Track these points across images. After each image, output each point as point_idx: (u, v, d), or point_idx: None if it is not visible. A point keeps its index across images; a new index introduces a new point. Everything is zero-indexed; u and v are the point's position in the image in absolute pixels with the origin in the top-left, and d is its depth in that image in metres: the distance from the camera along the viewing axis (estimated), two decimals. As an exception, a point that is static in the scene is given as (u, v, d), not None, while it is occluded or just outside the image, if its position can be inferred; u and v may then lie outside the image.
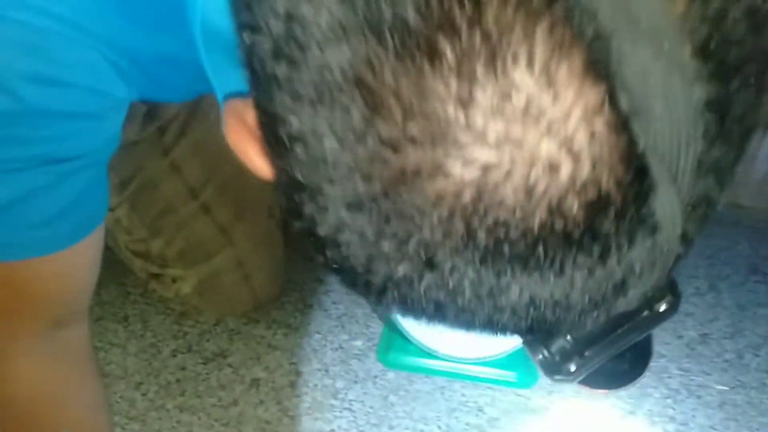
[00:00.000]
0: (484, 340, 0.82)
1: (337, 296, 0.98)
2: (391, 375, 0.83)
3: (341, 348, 0.88)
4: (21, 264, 0.44)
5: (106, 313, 0.94)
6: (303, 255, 1.07)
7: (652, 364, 0.85)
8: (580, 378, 0.51)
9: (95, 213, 0.48)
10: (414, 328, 0.82)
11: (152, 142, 0.75)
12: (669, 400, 0.80)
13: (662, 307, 0.46)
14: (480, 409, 0.78)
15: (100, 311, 0.95)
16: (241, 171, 0.79)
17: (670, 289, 0.46)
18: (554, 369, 0.47)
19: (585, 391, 0.78)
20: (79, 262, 0.49)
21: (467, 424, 0.76)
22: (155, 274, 0.88)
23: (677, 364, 0.85)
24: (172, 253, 0.83)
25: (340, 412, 0.78)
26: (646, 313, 0.46)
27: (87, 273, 0.51)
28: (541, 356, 0.47)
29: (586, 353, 0.46)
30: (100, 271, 0.53)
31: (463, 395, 0.80)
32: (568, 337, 0.45)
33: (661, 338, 0.89)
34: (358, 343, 0.89)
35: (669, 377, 0.83)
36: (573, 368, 0.48)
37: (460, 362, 0.82)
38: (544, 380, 0.82)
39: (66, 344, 0.51)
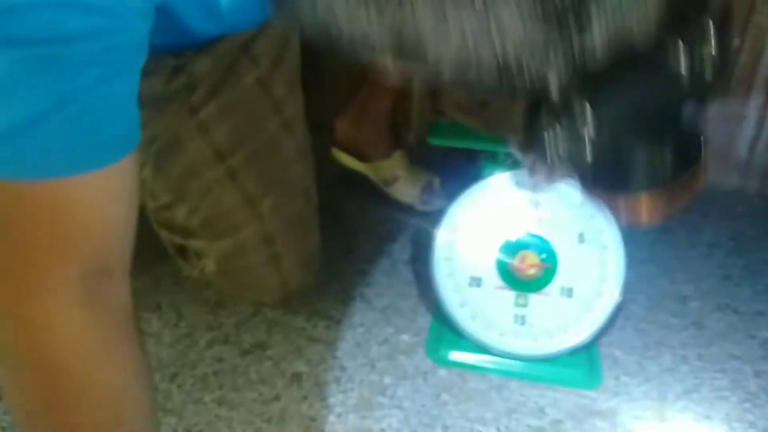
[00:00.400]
0: (543, 336, 0.76)
1: (380, 288, 0.93)
2: (442, 372, 0.78)
3: (387, 342, 0.83)
4: (59, 185, 0.40)
5: (139, 301, 0.89)
6: (343, 246, 1.02)
7: (725, 366, 0.78)
8: (596, 173, 0.41)
9: (129, 131, 0.44)
10: (467, 321, 0.76)
11: (180, 100, 0.72)
12: (747, 404, 0.73)
13: (706, 73, 0.34)
14: (541, 411, 0.72)
15: (132, 300, 0.90)
16: (273, 142, 0.74)
17: (718, 39, 0.33)
18: (563, 157, 0.38)
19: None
20: (117, 192, 0.44)
21: (528, 426, 0.70)
22: (180, 248, 0.84)
23: (752, 366, 0.78)
24: (196, 223, 0.78)
25: (390, 410, 0.72)
26: (682, 78, 0.33)
27: (125, 212, 0.46)
28: (548, 145, 0.38)
29: (598, 137, 0.36)
30: (132, 259, 0.48)
31: (521, 395, 0.74)
32: (586, 117, 0.35)
33: (734, 339, 0.83)
34: (405, 337, 0.84)
35: (745, 380, 0.76)
36: (588, 156, 0.38)
37: (518, 360, 0.76)
38: (608, 381, 0.76)
39: (107, 300, 0.46)
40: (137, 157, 0.45)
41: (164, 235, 0.83)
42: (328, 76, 1.25)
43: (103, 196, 0.43)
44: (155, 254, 0.95)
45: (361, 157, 1.15)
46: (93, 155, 0.41)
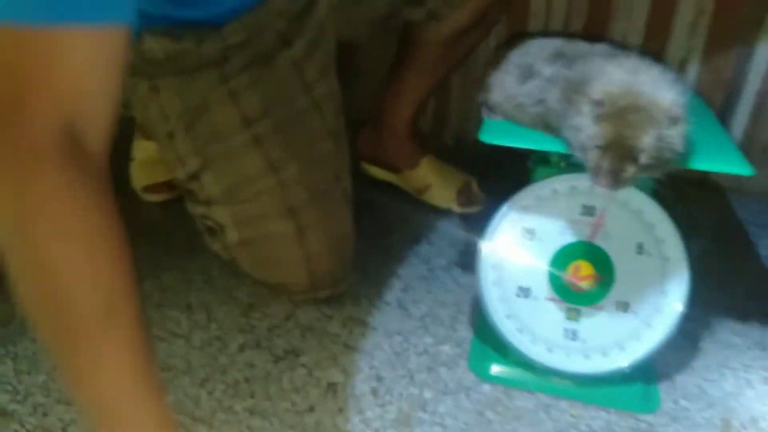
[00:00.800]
0: (596, 353, 0.71)
1: (417, 294, 0.89)
2: (485, 387, 0.73)
3: (426, 353, 0.78)
4: (56, 34, 0.42)
5: (168, 299, 0.87)
6: (379, 249, 0.98)
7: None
8: None
9: (127, 3, 0.45)
10: (513, 333, 0.71)
11: (213, 69, 0.75)
12: (822, 437, 0.67)
13: None
14: (594, 434, 0.67)
15: (160, 297, 0.88)
16: (300, 118, 0.76)
17: None
18: None
19: None
20: (105, 56, 0.45)
21: (580, 450, 0.66)
22: (205, 221, 0.82)
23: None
24: (220, 190, 0.78)
25: (431, 427, 0.68)
26: None
27: (111, 80, 0.46)
28: None
29: None
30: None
31: (572, 416, 0.69)
32: None
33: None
34: (445, 348, 0.79)
35: (818, 409, 0.70)
36: None
37: (569, 378, 0.71)
38: (666, 405, 0.71)
39: (84, 157, 0.44)
40: (128, 43, 0.46)
41: (191, 207, 0.83)
42: (363, 75, 1.21)
43: (94, 54, 0.44)
44: (187, 250, 0.93)
45: (389, 169, 1.11)
46: (90, 7, 0.43)
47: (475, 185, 1.10)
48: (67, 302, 0.42)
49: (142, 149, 1.10)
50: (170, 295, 0.89)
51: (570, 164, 0.71)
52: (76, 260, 0.43)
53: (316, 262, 0.79)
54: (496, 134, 0.72)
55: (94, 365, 0.43)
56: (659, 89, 0.54)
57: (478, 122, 0.74)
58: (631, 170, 0.54)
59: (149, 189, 1.09)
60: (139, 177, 1.10)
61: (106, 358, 0.43)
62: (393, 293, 0.89)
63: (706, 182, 1.17)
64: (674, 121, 0.53)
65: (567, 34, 1.02)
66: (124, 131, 1.08)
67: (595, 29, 1.11)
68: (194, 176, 0.79)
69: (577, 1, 1.10)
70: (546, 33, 0.96)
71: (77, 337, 0.43)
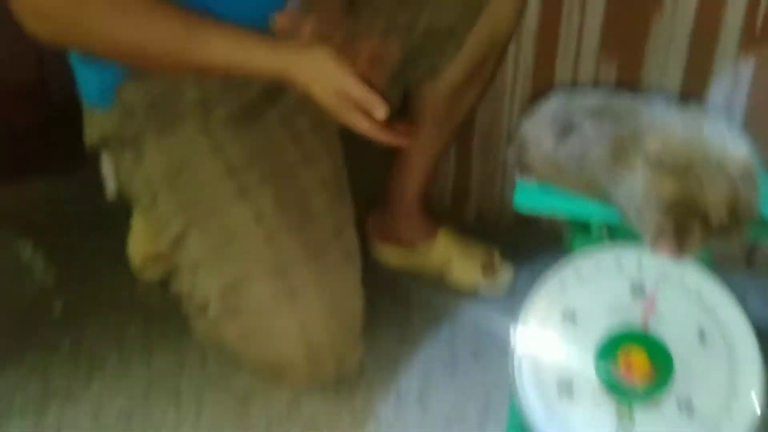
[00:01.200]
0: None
1: (440, 385, 0.78)
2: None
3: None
4: None
5: (156, 384, 0.78)
6: (396, 328, 0.88)
7: None
8: None
9: None
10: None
11: (194, 119, 0.75)
12: None
13: None
14: None
15: (148, 380, 0.78)
16: (289, 168, 0.78)
17: None
18: None
19: None
20: None
21: None
22: (191, 298, 0.75)
23: None
24: (206, 250, 0.73)
25: None
26: None
27: None
28: None
29: None
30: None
31: None
32: None
33: None
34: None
35: None
36: None
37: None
38: None
39: None
40: None
41: (177, 286, 0.77)
42: (371, 154, 1.16)
43: None
44: (183, 332, 0.83)
45: (403, 245, 1.05)
46: None
47: (497, 257, 1.01)
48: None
49: (142, 221, 1.04)
50: (160, 379, 0.79)
51: (614, 234, 0.63)
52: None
53: (313, 329, 0.68)
54: (532, 200, 0.64)
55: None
56: (728, 142, 0.45)
57: (502, 195, 0.66)
58: (699, 233, 0.45)
59: (150, 259, 1.02)
60: (139, 246, 1.03)
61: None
62: (411, 384, 0.78)
63: (752, 258, 1.06)
64: (750, 177, 0.44)
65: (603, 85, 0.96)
66: (118, 211, 1.02)
67: (628, 77, 1.05)
68: (178, 240, 0.73)
69: (607, 50, 1.04)
70: (578, 85, 0.90)
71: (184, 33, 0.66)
